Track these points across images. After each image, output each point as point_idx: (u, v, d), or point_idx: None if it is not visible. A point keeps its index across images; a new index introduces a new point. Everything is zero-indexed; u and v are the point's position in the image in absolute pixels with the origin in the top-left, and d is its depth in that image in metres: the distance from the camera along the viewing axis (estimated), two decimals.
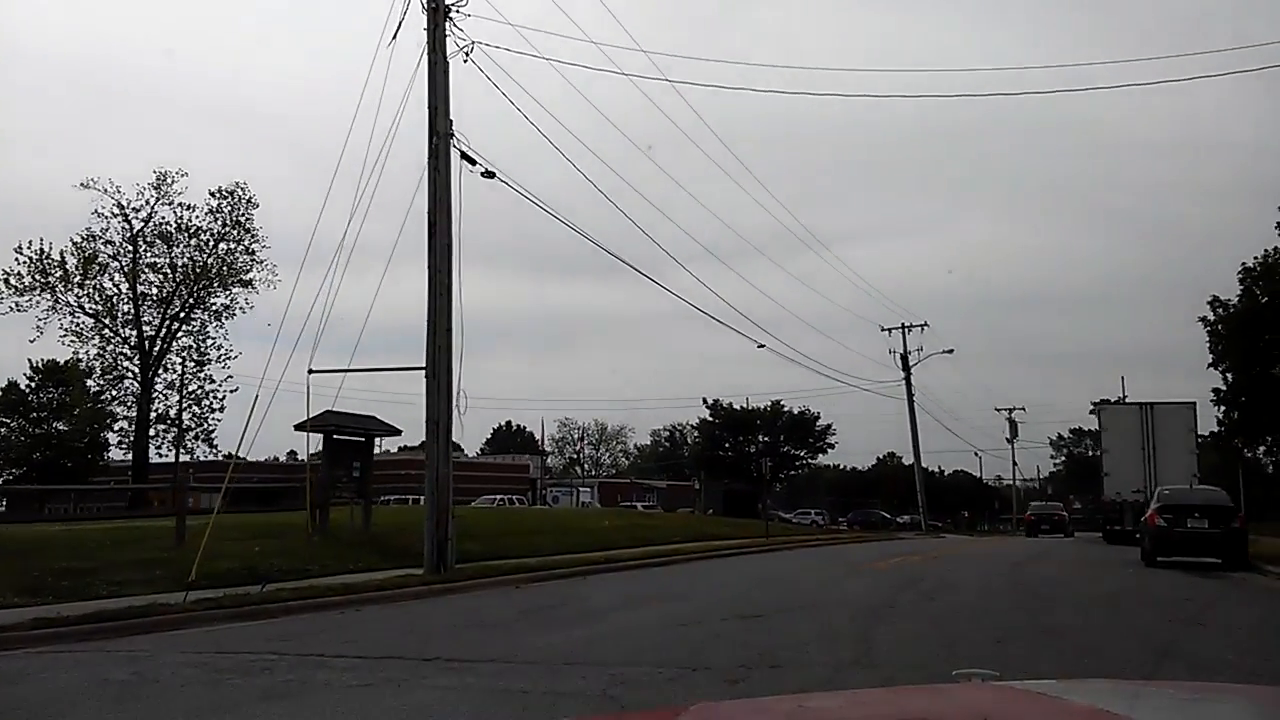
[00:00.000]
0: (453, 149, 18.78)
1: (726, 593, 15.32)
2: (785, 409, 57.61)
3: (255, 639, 10.91)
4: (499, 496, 62.10)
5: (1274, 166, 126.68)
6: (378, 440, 27.46)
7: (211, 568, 17.15)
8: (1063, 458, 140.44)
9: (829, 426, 57.42)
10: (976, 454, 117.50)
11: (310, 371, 18.61)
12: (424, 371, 18.28)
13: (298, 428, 20.91)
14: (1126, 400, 42.77)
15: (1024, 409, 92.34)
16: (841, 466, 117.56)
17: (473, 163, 19.45)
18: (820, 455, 58.47)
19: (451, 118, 18.78)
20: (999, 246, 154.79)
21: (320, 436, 22.10)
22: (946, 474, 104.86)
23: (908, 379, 57.07)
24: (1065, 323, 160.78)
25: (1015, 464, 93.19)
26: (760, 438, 57.95)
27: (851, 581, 17.31)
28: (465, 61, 19.23)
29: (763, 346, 35.25)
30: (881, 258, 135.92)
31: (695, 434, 57.89)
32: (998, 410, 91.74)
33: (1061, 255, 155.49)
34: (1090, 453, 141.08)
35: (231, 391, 51.10)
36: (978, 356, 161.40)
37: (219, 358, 50.07)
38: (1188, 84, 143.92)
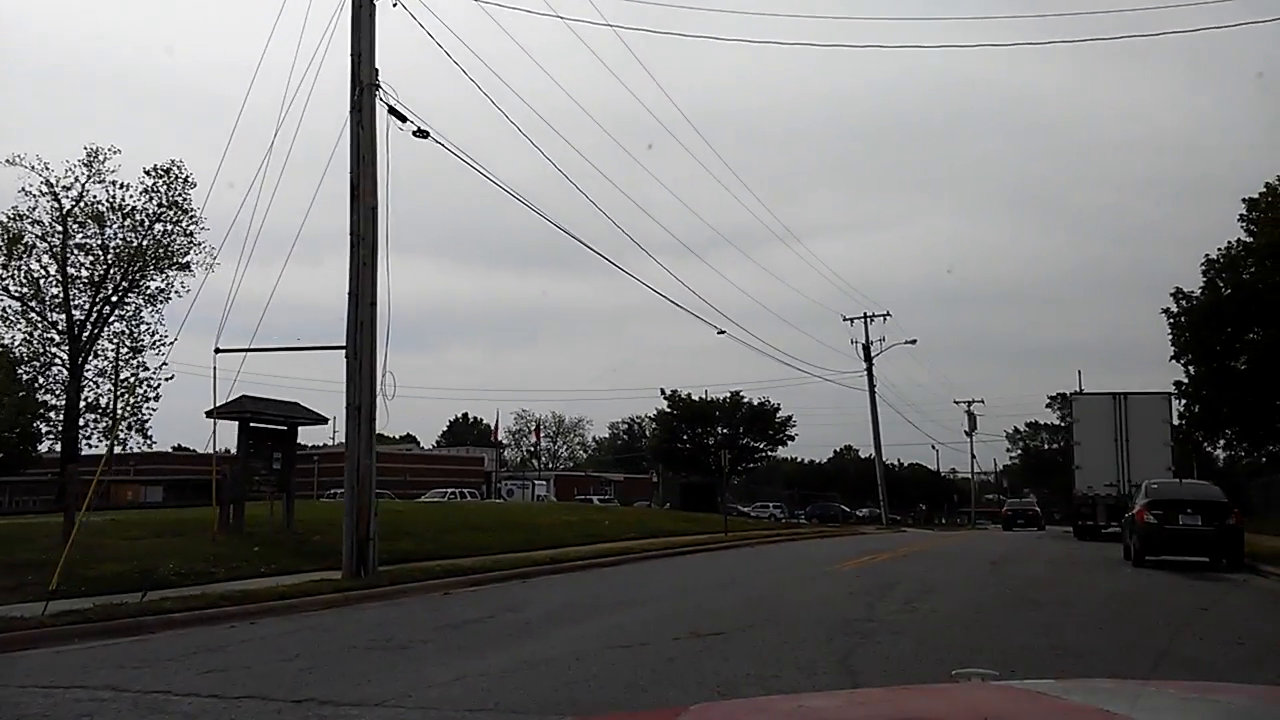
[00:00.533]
0: (379, 102, 16.69)
1: (682, 601, 13.41)
2: (745, 400, 55.93)
3: (105, 665, 8.86)
4: (450, 490, 59.84)
5: (1229, 167, 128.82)
6: (327, 432, 25.37)
7: (98, 571, 15.02)
8: (1019, 451, 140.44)
9: (789, 418, 55.89)
10: (934, 447, 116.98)
11: (217, 351, 16.52)
12: (344, 351, 16.20)
13: (208, 414, 18.67)
14: (1096, 391, 41.33)
15: (983, 401, 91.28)
16: (800, 460, 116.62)
17: (403, 119, 17.38)
18: (780, 447, 56.95)
19: (378, 66, 16.69)
20: (959, 243, 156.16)
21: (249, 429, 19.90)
22: (903, 467, 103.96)
23: (870, 369, 55.62)
24: (1023, 318, 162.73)
25: (974, 457, 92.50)
26: (719, 430, 56.21)
27: (820, 586, 15.48)
28: (395, 5, 17.14)
29: (723, 333, 33.47)
30: (846, 252, 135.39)
31: (653, 426, 55.97)
32: (957, 403, 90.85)
33: (1020, 252, 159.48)
34: (1046, 446, 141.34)
35: (167, 379, 48.38)
36: (936, 351, 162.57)
37: (153, 344, 47.32)
38: (1145, 83, 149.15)
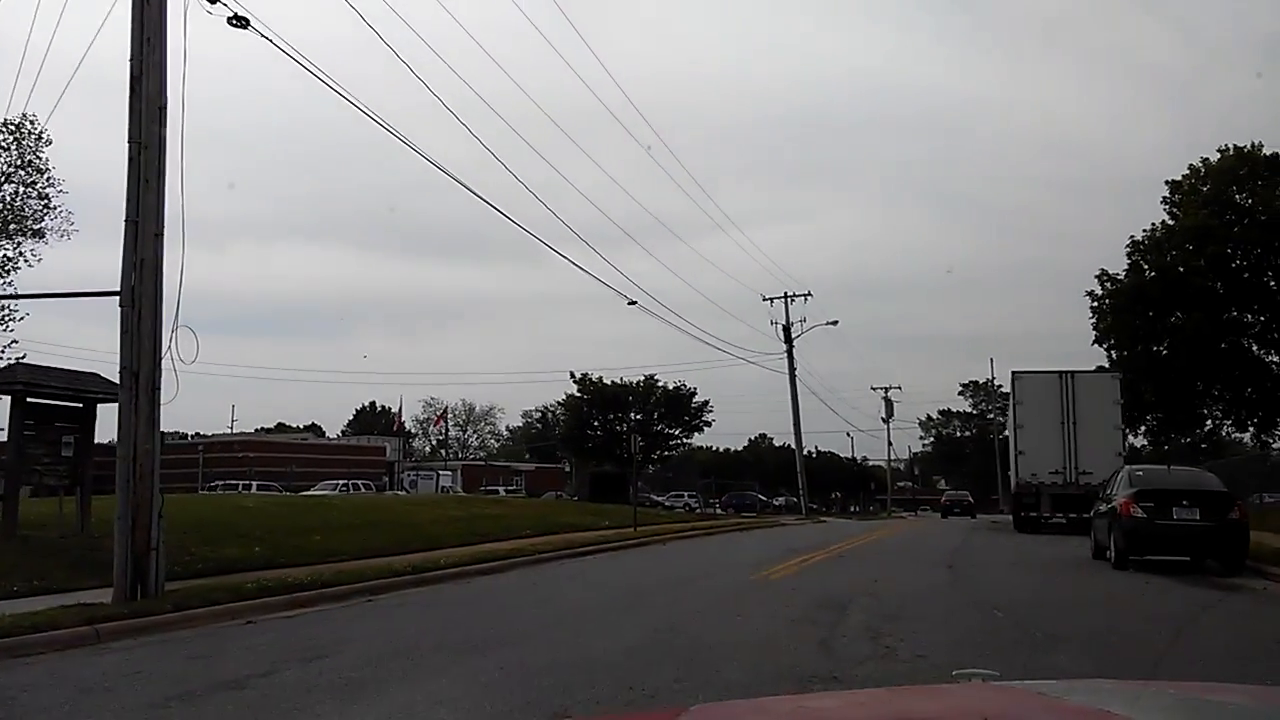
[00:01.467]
0: None
1: (558, 638, 9.52)
2: (660, 384, 52.30)
3: None
4: (342, 483, 55.06)
5: (1139, 166, 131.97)
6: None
7: None
8: (931, 438, 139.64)
9: (705, 403, 52.41)
10: (849, 434, 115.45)
11: None
12: (118, 298, 11.94)
13: None
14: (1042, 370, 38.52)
15: (900, 388, 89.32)
16: (715, 448, 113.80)
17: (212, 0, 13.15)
18: (696, 434, 53.46)
19: None
20: (872, 234, 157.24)
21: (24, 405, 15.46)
22: (820, 454, 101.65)
23: (790, 351, 52.45)
24: (935, 310, 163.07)
25: (890, 444, 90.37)
26: (633, 416, 52.46)
27: (750, 607, 11.72)
28: None
29: (634, 303, 29.71)
30: (767, 244, 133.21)
31: (562, 413, 52.06)
32: (874, 389, 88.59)
33: (933, 246, 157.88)
34: (959, 434, 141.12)
35: (19, 359, 42.76)
36: (852, 341, 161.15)
37: (2, 319, 41.64)
38: (1052, 86, 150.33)
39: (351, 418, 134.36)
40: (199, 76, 21.15)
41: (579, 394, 51.83)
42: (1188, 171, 52.18)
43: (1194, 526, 15.25)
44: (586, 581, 15.69)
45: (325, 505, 26.07)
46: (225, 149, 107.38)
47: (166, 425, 14.27)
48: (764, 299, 53.04)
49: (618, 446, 51.76)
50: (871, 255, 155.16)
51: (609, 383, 52.07)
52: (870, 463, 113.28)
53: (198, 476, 58.18)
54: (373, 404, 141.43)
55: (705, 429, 52.68)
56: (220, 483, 54.18)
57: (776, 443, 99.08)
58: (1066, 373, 28.89)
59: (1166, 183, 53.08)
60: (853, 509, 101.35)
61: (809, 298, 52.15)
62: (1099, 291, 56.11)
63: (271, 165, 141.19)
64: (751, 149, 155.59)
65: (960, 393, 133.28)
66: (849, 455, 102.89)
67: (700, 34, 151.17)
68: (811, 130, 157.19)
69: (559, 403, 52.06)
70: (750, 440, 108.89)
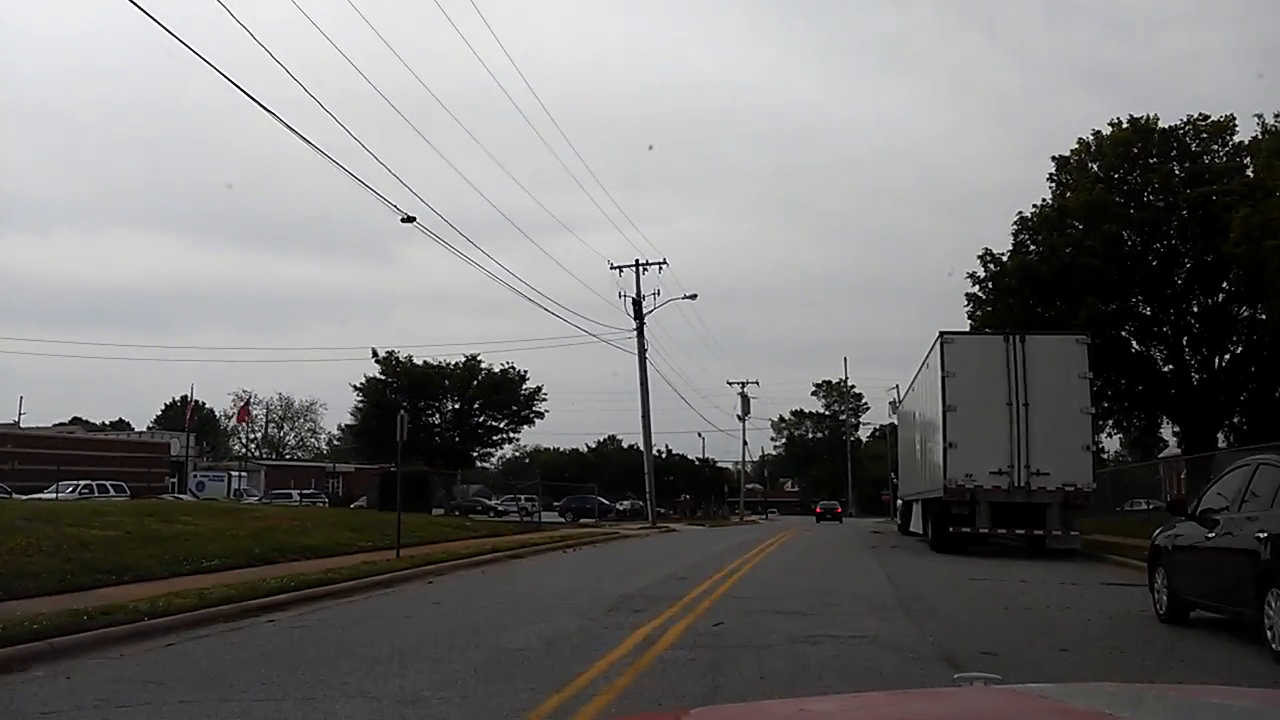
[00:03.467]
0: None
1: None
2: (484, 367, 42.54)
3: None
4: (84, 483, 43.14)
5: (980, 182, 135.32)
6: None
7: None
8: (783, 439, 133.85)
9: (538, 390, 42.88)
10: (700, 434, 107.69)
11: None
12: None
13: None
14: (980, 331, 30.60)
15: (758, 383, 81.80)
16: (561, 449, 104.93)
17: None
18: (525, 426, 43.89)
19: None
20: (721, 242, 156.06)
21: None
22: (668, 455, 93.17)
23: (640, 329, 43.48)
24: (786, 315, 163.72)
25: (745, 444, 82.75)
26: (450, 404, 42.60)
27: None
28: None
29: (410, 219, 20.05)
30: (615, 247, 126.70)
31: (359, 399, 41.70)
32: (730, 384, 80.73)
33: (778, 253, 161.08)
34: (810, 435, 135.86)
35: None
36: (700, 347, 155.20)
37: None
38: (894, 101, 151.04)
39: (159, 413, 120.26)
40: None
41: (382, 375, 41.60)
42: (1076, 146, 46.79)
43: None
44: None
45: None
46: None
47: None
48: (611, 267, 43.98)
49: (431, 441, 41.82)
50: (722, 262, 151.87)
51: (420, 363, 41.99)
52: (718, 463, 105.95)
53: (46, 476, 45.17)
54: (184, 398, 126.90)
55: (537, 420, 43.29)
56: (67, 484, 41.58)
57: (625, 444, 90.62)
58: (1014, 334, 20.77)
59: (1053, 158, 47.86)
60: (700, 511, 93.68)
61: (664, 267, 43.44)
62: (981, 274, 50.14)
63: (106, 146, 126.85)
64: (606, 150, 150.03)
65: (814, 393, 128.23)
66: (700, 456, 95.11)
67: (557, 34, 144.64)
68: (663, 137, 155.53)
69: (355, 387, 41.57)
70: (599, 441, 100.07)
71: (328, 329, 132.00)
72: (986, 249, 50.71)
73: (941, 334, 20.77)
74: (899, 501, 39.25)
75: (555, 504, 66.06)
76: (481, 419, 43.30)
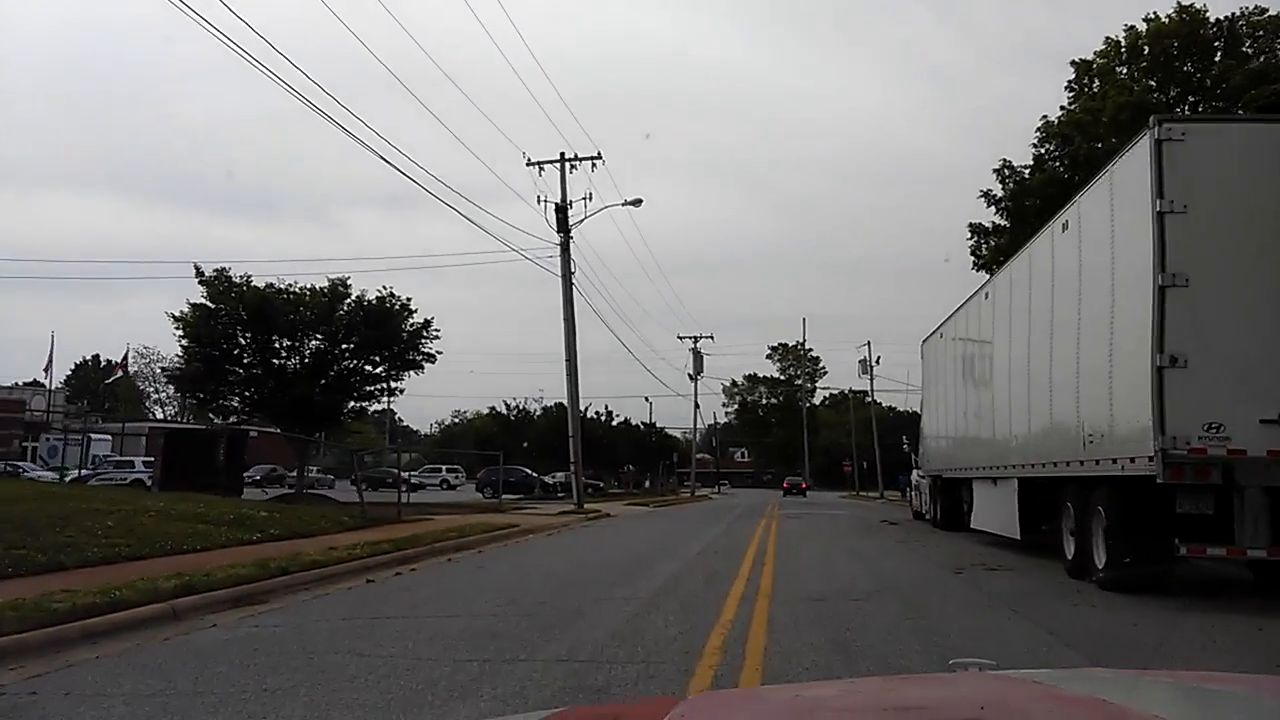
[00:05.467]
0: None
1: None
2: (354, 294, 30.69)
3: None
4: None
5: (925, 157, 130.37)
6: None
7: None
8: (736, 405, 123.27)
9: (428, 324, 31.09)
10: (647, 399, 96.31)
11: None
12: None
13: None
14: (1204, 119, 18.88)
15: (712, 337, 70.41)
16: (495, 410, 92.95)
17: None
18: (415, 371, 32.12)
19: None
20: (677, 211, 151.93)
21: None
22: (606, 418, 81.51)
23: (565, 245, 31.80)
24: (741, 286, 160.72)
25: (697, 406, 71.65)
26: (310, 340, 30.72)
27: None
28: None
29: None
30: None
31: (179, 332, 29.60)
32: (681, 339, 69.37)
33: (735, 222, 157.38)
34: (765, 400, 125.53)
35: None
36: (651, 318, 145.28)
37: None
38: (845, 75, 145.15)
39: (69, 373, 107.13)
40: None
41: (207, 302, 29.59)
42: (1103, 46, 37.20)
43: None
44: None
45: None
46: None
47: None
48: (529, 163, 32.18)
49: (280, 393, 30.00)
50: (676, 231, 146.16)
51: (263, 286, 29.97)
52: (665, 430, 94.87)
53: None
54: (95, 357, 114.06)
55: (428, 362, 31.55)
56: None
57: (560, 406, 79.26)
58: None
59: (1073, 63, 37.49)
60: (647, 483, 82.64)
61: (598, 163, 31.76)
62: (999, 192, 40.36)
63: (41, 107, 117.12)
64: (556, 119, 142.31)
65: (769, 356, 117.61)
66: (646, 421, 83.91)
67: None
68: (616, 105, 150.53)
69: (174, 318, 29.44)
70: (544, 408, 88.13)
71: None
72: (1005, 160, 40.24)
73: (1158, 119, 9.39)
74: (916, 477, 28.27)
75: (494, 477, 54.68)
76: (351, 362, 31.36)
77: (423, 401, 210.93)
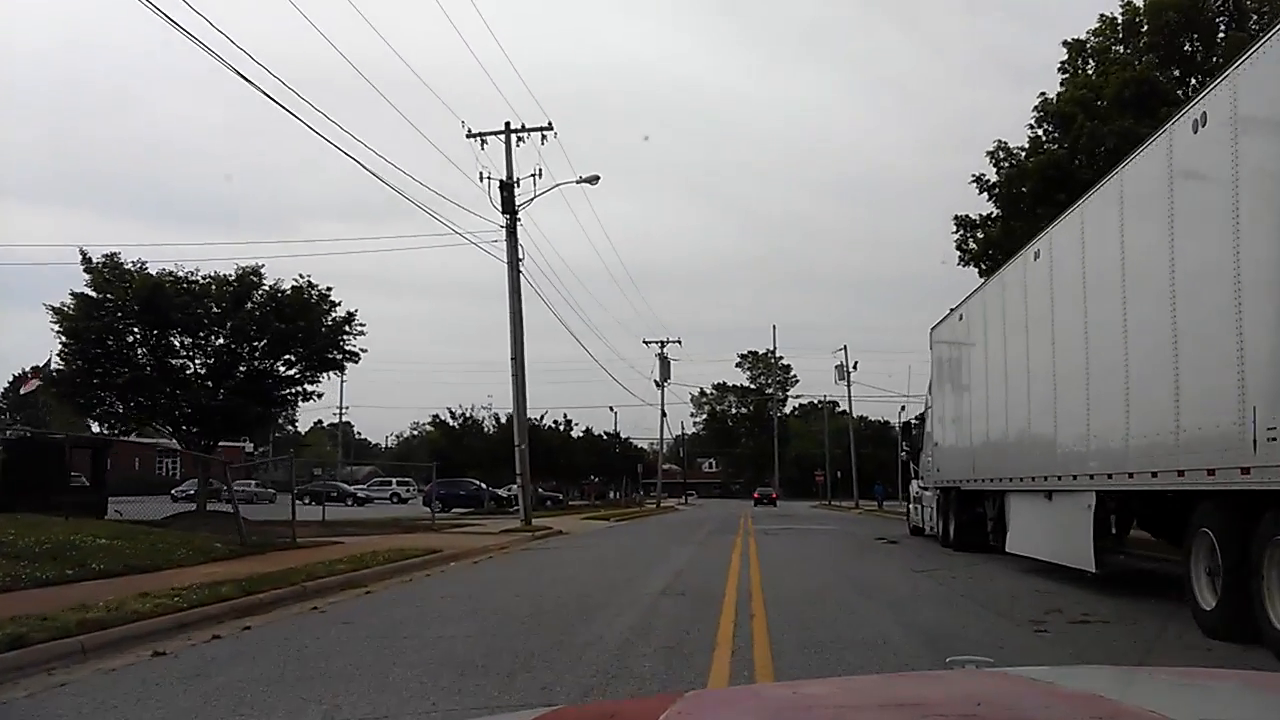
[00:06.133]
0: None
1: None
2: (268, 284, 26.32)
3: None
4: None
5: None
6: None
7: None
8: (704, 415, 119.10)
9: (351, 316, 26.77)
10: (612, 409, 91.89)
11: None
12: None
13: None
14: None
15: (679, 342, 66.37)
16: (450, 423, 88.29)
17: None
18: (336, 371, 27.77)
19: None
20: (642, 223, 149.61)
21: None
22: (566, 427, 77.04)
23: (512, 227, 27.59)
24: (704, 298, 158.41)
25: (664, 415, 67.63)
26: (215, 337, 26.29)
27: None
28: None
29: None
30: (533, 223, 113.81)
31: (56, 324, 25.09)
32: (647, 343, 65.31)
33: (698, 234, 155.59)
34: (734, 410, 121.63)
35: None
36: (615, 326, 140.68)
37: None
38: (809, 90, 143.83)
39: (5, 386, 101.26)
40: None
41: (91, 292, 25.16)
42: (1098, 24, 33.82)
43: None
44: None
45: None
46: None
47: None
48: (470, 135, 28.02)
49: (178, 394, 25.60)
50: (643, 243, 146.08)
51: (155, 274, 25.54)
52: (630, 440, 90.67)
53: None
54: (34, 367, 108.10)
55: (351, 363, 27.26)
56: None
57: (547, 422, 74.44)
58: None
59: (1065, 43, 34.39)
60: (614, 494, 78.32)
61: (549, 135, 27.64)
62: (992, 177, 36.76)
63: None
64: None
65: (738, 364, 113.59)
66: (608, 431, 79.64)
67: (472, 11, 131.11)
68: (579, 118, 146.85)
69: (53, 310, 24.93)
70: (464, 414, 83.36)
71: None
72: (1000, 142, 36.65)
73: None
74: (917, 488, 24.32)
75: (443, 490, 50.30)
76: (261, 364, 26.95)
77: (380, 414, 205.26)
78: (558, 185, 28.33)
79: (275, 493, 63.08)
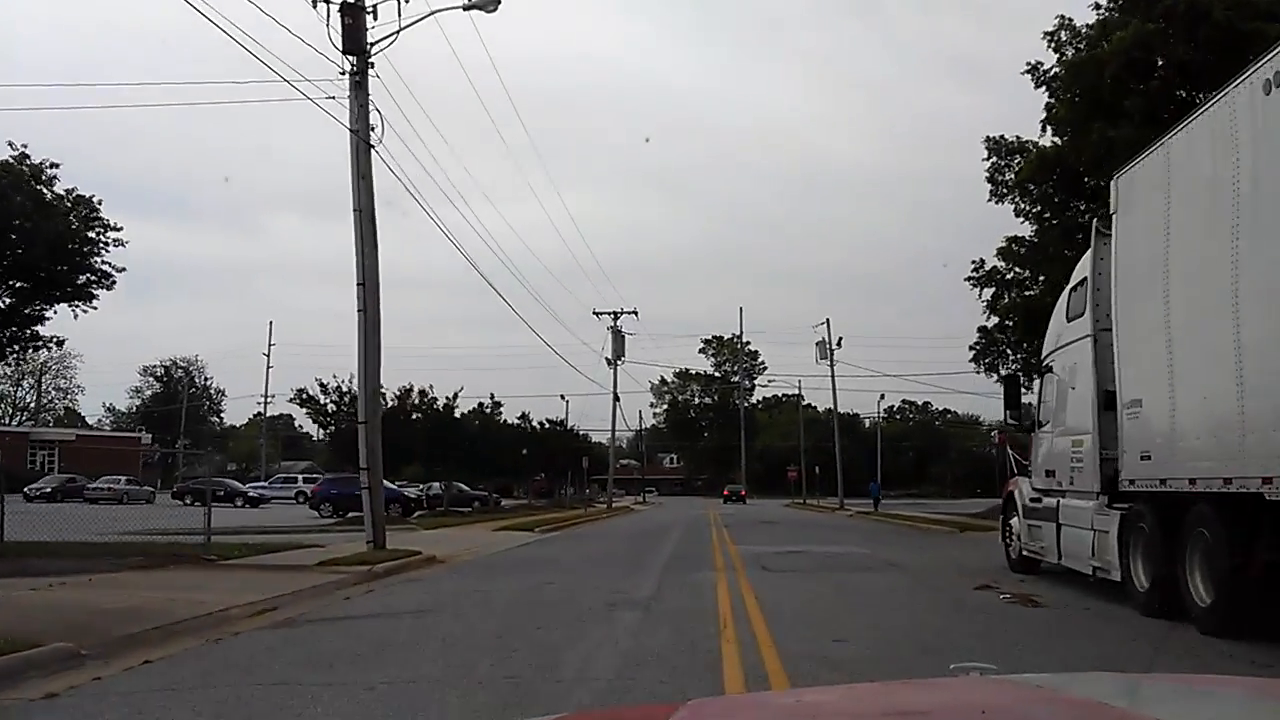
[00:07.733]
0: None
1: None
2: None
3: None
4: None
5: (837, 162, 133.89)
6: None
7: None
8: (665, 405, 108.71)
9: (95, 212, 16.30)
10: (563, 397, 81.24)
11: None
12: None
13: None
14: None
15: (635, 313, 55.85)
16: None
17: None
18: (81, 303, 17.40)
19: None
20: (596, 217, 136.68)
21: None
22: (500, 414, 66.42)
23: (361, 76, 17.18)
24: (666, 293, 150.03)
25: (617, 398, 57.28)
26: None
27: None
28: None
29: None
30: (493, 219, 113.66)
31: None
32: (598, 314, 54.68)
33: (657, 227, 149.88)
34: (697, 400, 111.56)
35: None
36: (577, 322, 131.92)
37: None
38: (769, 83, 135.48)
39: None
40: None
41: None
42: None
43: None
44: None
45: None
46: None
47: None
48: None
49: None
50: (602, 237, 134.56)
51: None
52: (584, 432, 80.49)
53: None
54: None
55: (103, 288, 16.83)
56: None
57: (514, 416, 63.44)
58: None
59: None
60: (562, 491, 67.92)
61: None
62: (1051, 64, 28.54)
63: None
64: (482, 122, 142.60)
65: (701, 350, 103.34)
66: (551, 420, 69.25)
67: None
68: (540, 109, 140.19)
69: None
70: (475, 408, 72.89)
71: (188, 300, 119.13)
72: (1063, 18, 27.60)
73: None
74: (1030, 494, 13.99)
75: (334, 490, 39.74)
76: None
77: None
78: (435, 12, 17.88)
79: (152, 491, 52.36)
